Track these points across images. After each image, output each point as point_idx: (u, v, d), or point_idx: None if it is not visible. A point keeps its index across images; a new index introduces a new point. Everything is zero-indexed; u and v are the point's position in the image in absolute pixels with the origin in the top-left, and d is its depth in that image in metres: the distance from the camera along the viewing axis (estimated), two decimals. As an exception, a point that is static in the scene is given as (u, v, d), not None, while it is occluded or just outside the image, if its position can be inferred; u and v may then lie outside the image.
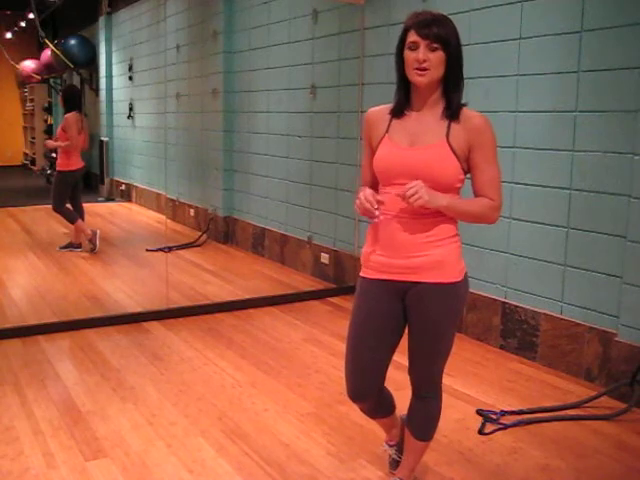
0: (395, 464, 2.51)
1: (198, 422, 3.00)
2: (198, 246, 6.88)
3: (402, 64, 2.04)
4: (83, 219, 6.57)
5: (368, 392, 2.23)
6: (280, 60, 6.04)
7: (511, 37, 3.83)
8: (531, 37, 3.72)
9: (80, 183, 6.67)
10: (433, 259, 2.08)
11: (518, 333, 3.89)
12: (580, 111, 3.50)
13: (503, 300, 3.99)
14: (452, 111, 2.03)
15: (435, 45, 1.97)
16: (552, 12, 3.61)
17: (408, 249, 2.07)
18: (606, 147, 3.39)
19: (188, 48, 7.68)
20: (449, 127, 2.04)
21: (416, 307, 2.13)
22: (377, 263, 2.12)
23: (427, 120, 2.07)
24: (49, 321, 4.32)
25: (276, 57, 6.10)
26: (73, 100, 6.52)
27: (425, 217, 2.05)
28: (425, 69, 1.98)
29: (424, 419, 2.32)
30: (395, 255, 2.08)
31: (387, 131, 2.10)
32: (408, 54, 2.00)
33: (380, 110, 2.16)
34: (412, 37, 1.99)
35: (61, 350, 3.91)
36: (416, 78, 2.00)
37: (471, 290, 4.22)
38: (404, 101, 2.09)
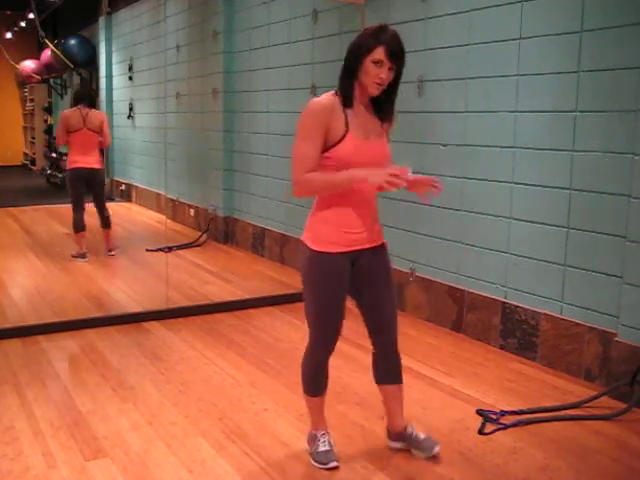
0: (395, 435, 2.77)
1: (198, 422, 3.00)
2: (198, 246, 6.88)
3: (358, 66, 2.32)
4: (104, 225, 6.33)
5: (334, 348, 2.62)
6: (280, 60, 6.04)
7: (511, 37, 3.83)
8: (531, 37, 3.72)
9: (97, 185, 6.27)
10: (379, 227, 2.57)
11: (518, 333, 3.89)
12: (580, 111, 3.50)
13: (503, 300, 3.99)
14: (387, 115, 2.45)
15: (395, 67, 2.33)
16: (552, 12, 3.61)
17: (369, 223, 2.48)
18: (606, 147, 3.39)
19: (188, 48, 7.68)
20: (382, 124, 2.46)
21: (370, 266, 2.52)
22: (346, 240, 2.44)
23: (368, 116, 2.43)
24: (49, 321, 4.32)
25: (276, 57, 6.10)
26: (75, 95, 6.33)
27: (373, 196, 2.50)
28: (382, 84, 2.34)
29: (398, 363, 2.69)
30: (361, 229, 2.45)
31: (348, 126, 2.36)
32: (371, 67, 2.30)
33: (331, 101, 2.37)
34: (380, 55, 2.29)
35: (61, 350, 3.91)
36: (373, 89, 2.35)
37: (471, 290, 4.26)
38: (351, 94, 2.38)
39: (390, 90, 2.40)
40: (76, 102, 6.21)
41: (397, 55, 2.31)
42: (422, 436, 2.72)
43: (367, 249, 2.50)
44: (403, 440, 2.75)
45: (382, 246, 2.57)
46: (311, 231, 2.48)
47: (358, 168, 2.33)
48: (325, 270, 2.45)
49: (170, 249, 6.35)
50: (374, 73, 2.30)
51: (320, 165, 2.36)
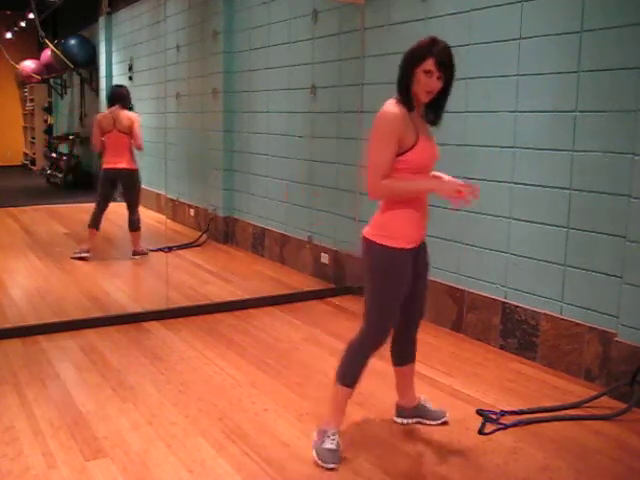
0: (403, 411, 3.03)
1: (198, 422, 3.00)
2: (198, 246, 6.88)
3: (411, 76, 2.54)
4: (130, 226, 6.26)
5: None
6: (280, 60, 6.04)
7: (511, 37, 3.83)
8: (531, 37, 3.72)
9: (125, 186, 6.24)
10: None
11: (518, 333, 3.89)
12: (580, 111, 3.50)
13: (503, 300, 3.99)
14: (438, 118, 2.66)
15: (444, 77, 2.54)
16: (552, 12, 3.61)
17: (425, 221, 2.74)
18: (606, 147, 3.39)
19: (188, 48, 7.68)
20: (429, 127, 2.71)
21: (422, 261, 2.81)
22: (412, 237, 2.67)
23: (420, 119, 2.65)
24: (49, 321, 4.32)
25: (276, 57, 6.10)
26: (110, 97, 6.30)
27: (427, 197, 2.73)
28: (432, 92, 2.56)
29: (416, 343, 2.98)
30: (422, 227, 2.71)
31: (418, 132, 2.58)
32: (423, 77, 2.52)
33: (400, 110, 2.55)
34: (430, 66, 2.50)
35: (61, 350, 3.91)
36: (424, 97, 2.57)
37: (471, 290, 4.25)
38: (412, 101, 2.58)
39: (440, 96, 2.61)
40: (110, 104, 6.25)
41: (446, 65, 2.52)
42: (432, 406, 3.03)
43: (421, 245, 2.76)
44: (417, 412, 3.01)
45: (425, 242, 2.83)
46: (381, 228, 2.65)
47: (426, 173, 2.65)
48: (397, 265, 2.65)
49: (170, 249, 6.35)
50: (424, 82, 2.52)
51: (394, 169, 2.56)
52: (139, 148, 6.17)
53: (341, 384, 2.74)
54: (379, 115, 2.56)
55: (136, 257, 6.27)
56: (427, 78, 2.52)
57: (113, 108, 6.17)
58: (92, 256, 6.29)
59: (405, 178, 2.58)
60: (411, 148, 2.55)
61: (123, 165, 6.15)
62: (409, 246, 2.65)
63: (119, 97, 6.22)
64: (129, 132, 6.12)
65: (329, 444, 2.67)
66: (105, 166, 6.23)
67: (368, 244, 2.67)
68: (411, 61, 2.54)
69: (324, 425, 2.74)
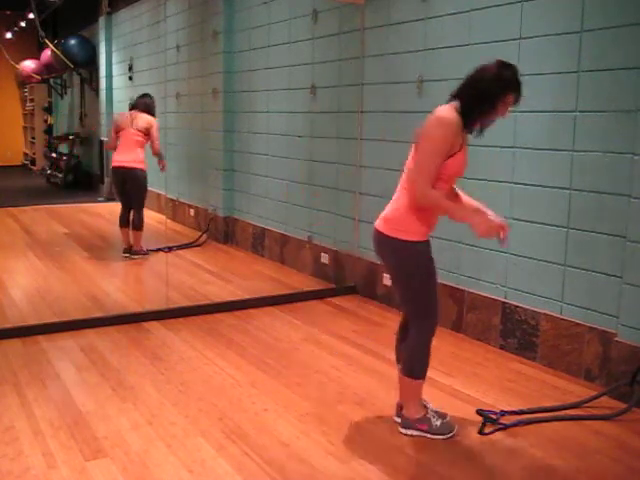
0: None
1: (198, 422, 3.00)
2: (198, 246, 6.88)
3: (492, 104, 2.66)
4: (135, 227, 6.24)
5: None
6: (280, 60, 6.04)
7: (511, 37, 3.83)
8: (531, 37, 3.72)
9: (129, 184, 6.20)
10: None
11: (518, 333, 3.89)
12: (580, 111, 3.50)
13: (503, 300, 3.99)
14: (481, 134, 2.80)
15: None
16: (552, 12, 3.61)
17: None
18: (606, 147, 3.39)
19: (188, 48, 7.68)
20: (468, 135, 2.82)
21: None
22: (427, 233, 2.81)
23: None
24: (49, 321, 4.32)
25: (276, 57, 6.10)
26: (133, 105, 6.33)
27: None
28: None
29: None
30: (433, 228, 2.85)
31: (463, 141, 2.71)
32: (501, 109, 2.69)
33: (457, 118, 2.65)
34: (512, 99, 2.68)
35: (61, 350, 3.91)
36: (489, 123, 2.75)
37: (471, 290, 4.25)
38: (476, 119, 2.71)
39: None
40: (130, 108, 6.30)
41: (520, 98, 2.71)
42: (433, 407, 3.02)
43: None
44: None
45: None
46: (402, 225, 2.75)
47: (453, 181, 2.83)
48: (427, 254, 2.82)
49: (170, 249, 6.35)
50: (501, 112, 2.71)
51: None
52: (155, 151, 6.19)
53: (415, 378, 2.89)
54: (438, 119, 2.63)
55: (136, 257, 6.27)
56: (504, 109, 2.70)
57: (133, 112, 6.23)
58: (92, 256, 6.29)
59: (439, 186, 2.71)
60: (453, 155, 2.66)
61: (130, 163, 6.14)
62: (426, 239, 2.82)
63: (141, 105, 6.27)
64: (144, 133, 6.14)
65: (437, 421, 2.90)
66: (113, 164, 6.27)
67: (389, 242, 2.77)
68: (497, 91, 2.64)
69: (415, 414, 2.91)
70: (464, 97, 2.67)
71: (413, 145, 2.79)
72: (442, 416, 3.01)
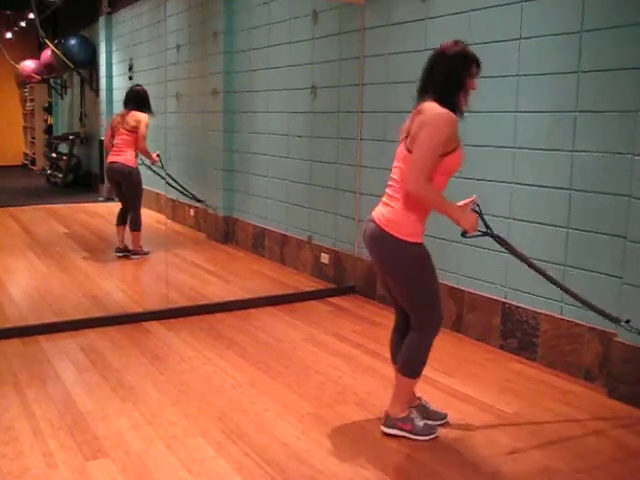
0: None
1: (198, 422, 3.00)
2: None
3: (462, 82, 2.71)
4: (131, 227, 6.24)
5: None
6: (280, 60, 6.04)
7: (511, 37, 3.83)
8: (531, 37, 3.72)
9: (123, 183, 6.21)
10: None
11: (518, 333, 3.89)
12: (580, 111, 3.50)
13: (503, 300, 3.99)
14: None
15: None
16: (552, 12, 3.61)
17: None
18: (606, 147, 3.39)
19: (188, 48, 7.68)
20: None
21: None
22: (422, 233, 2.82)
23: None
24: (49, 321, 4.32)
25: (276, 57, 6.10)
26: (125, 98, 6.38)
27: None
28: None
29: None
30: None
31: (458, 138, 2.70)
32: (470, 81, 2.72)
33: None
34: (475, 70, 2.73)
35: (61, 350, 3.91)
36: (466, 101, 2.76)
37: (471, 290, 4.25)
38: (461, 107, 2.76)
39: None
40: (124, 106, 6.34)
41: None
42: (433, 407, 3.05)
43: None
44: (418, 413, 2.96)
45: None
46: (402, 227, 2.74)
47: (449, 177, 2.79)
48: (428, 255, 2.84)
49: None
50: (470, 84, 2.74)
51: None
52: (139, 148, 6.17)
53: (410, 376, 2.88)
54: (438, 115, 2.62)
55: (135, 257, 6.27)
56: (472, 82, 2.74)
57: (125, 111, 6.26)
58: (91, 256, 6.29)
59: (442, 181, 2.73)
60: (452, 152, 2.66)
61: (119, 161, 6.16)
62: (423, 239, 2.83)
63: (130, 99, 6.28)
64: (135, 132, 6.15)
65: (420, 422, 2.88)
66: (105, 164, 6.37)
67: (391, 239, 2.74)
68: (462, 67, 2.69)
69: (400, 412, 2.88)
70: (436, 89, 2.68)
71: (401, 142, 2.76)
72: (442, 416, 3.00)
